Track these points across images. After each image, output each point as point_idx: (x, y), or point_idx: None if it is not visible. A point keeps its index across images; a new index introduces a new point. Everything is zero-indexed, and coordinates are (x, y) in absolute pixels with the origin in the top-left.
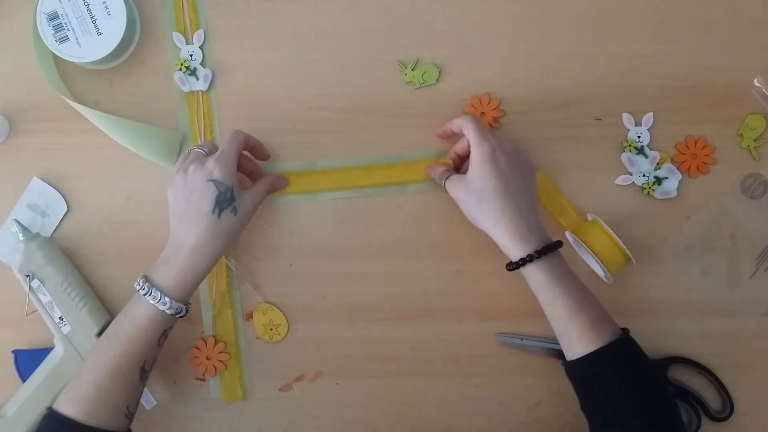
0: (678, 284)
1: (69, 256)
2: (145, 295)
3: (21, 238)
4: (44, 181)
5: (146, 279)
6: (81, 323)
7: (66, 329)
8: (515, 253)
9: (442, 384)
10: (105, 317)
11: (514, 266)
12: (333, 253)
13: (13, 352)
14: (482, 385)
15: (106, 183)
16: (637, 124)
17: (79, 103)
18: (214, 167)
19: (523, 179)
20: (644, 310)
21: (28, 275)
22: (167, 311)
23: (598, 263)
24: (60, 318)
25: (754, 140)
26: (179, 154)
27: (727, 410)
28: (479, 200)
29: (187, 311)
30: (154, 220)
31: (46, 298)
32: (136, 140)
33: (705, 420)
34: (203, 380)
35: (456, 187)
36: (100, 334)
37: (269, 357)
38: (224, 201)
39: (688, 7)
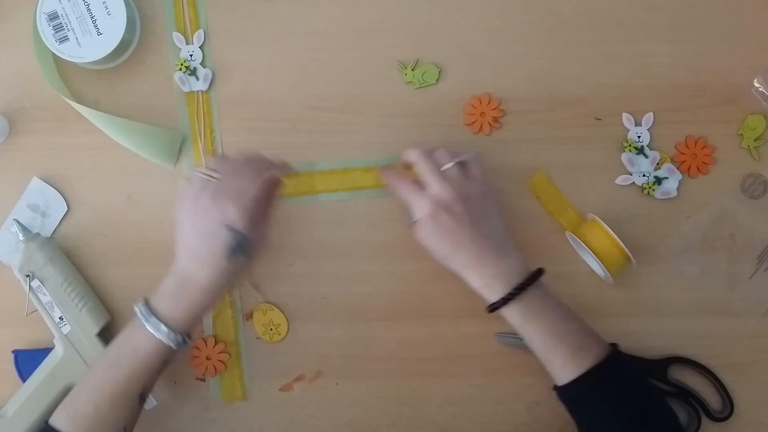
0: (678, 284)
1: (69, 256)
2: (148, 326)
3: (21, 238)
4: (44, 181)
5: (148, 306)
6: (81, 323)
7: (66, 329)
8: (487, 298)
9: (442, 384)
10: (105, 317)
11: (490, 310)
12: (333, 253)
13: (13, 352)
14: (482, 385)
15: (106, 183)
16: (637, 124)
17: (79, 103)
18: (232, 213)
19: (480, 218)
20: (644, 310)
21: (28, 275)
22: (172, 345)
23: (598, 263)
24: (60, 318)
25: (754, 140)
26: (179, 154)
27: (727, 410)
28: (439, 258)
29: (191, 342)
30: (154, 220)
31: (46, 298)
32: (136, 140)
33: (705, 420)
34: (203, 380)
35: (420, 237)
36: (100, 334)
37: (269, 357)
38: (238, 249)
39: (688, 7)
